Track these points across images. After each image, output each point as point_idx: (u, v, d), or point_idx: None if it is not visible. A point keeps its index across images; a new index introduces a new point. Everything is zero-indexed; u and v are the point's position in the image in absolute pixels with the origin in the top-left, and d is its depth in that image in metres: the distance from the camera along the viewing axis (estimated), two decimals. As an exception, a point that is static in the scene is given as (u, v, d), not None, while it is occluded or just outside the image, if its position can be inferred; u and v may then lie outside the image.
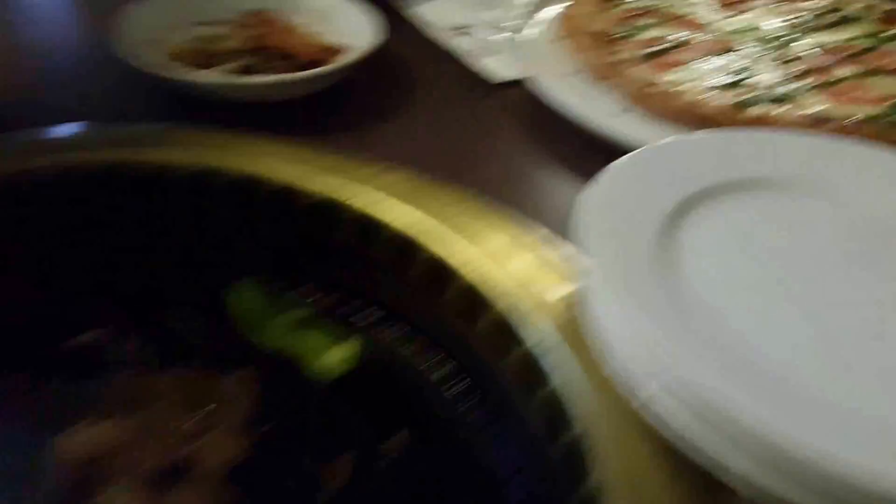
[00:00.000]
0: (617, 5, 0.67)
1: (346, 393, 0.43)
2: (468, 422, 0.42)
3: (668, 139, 0.43)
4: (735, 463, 0.29)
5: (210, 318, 0.45)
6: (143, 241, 0.48)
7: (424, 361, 0.45)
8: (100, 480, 0.35)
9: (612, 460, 0.32)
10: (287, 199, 0.46)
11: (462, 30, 0.68)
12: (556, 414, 0.35)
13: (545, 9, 0.67)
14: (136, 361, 0.42)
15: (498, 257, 0.41)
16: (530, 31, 0.65)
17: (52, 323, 0.44)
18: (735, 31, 0.65)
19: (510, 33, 0.67)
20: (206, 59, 0.56)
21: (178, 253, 0.48)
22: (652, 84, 0.56)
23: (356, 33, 0.59)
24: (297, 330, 0.45)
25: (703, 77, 0.59)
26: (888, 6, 0.68)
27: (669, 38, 0.63)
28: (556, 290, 0.39)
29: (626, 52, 0.62)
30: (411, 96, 0.60)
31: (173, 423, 0.38)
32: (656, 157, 0.41)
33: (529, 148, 0.55)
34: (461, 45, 0.66)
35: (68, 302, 0.45)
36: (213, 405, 0.39)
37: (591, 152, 0.52)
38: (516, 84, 0.61)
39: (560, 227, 0.44)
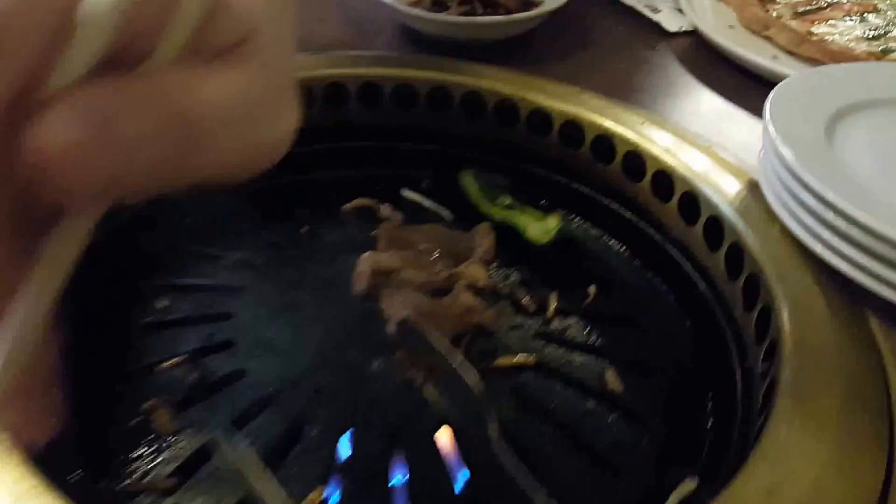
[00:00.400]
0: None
1: (552, 256, 0.53)
2: (649, 279, 0.51)
3: (830, 65, 0.51)
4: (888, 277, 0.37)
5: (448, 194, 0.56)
6: (401, 137, 0.59)
7: (611, 238, 0.54)
8: (384, 288, 0.46)
9: (780, 287, 0.40)
10: (508, 109, 0.56)
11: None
12: (736, 259, 0.44)
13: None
14: (392, 219, 0.53)
15: (675, 153, 0.50)
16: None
17: (334, 191, 0.56)
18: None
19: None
20: (433, 6, 0.67)
21: (422, 146, 0.59)
22: (809, 33, 0.63)
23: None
24: (511, 209, 0.55)
25: (849, 30, 0.65)
26: None
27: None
28: (724, 175, 0.48)
29: (780, 9, 0.69)
30: (594, 40, 0.69)
31: (434, 257, 0.48)
32: (822, 76, 0.49)
33: (696, 82, 0.63)
34: (631, 3, 0.74)
35: (346, 177, 0.57)
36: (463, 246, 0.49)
37: (744, 87, 0.61)
38: (684, 35, 0.69)
39: (722, 137, 0.53)
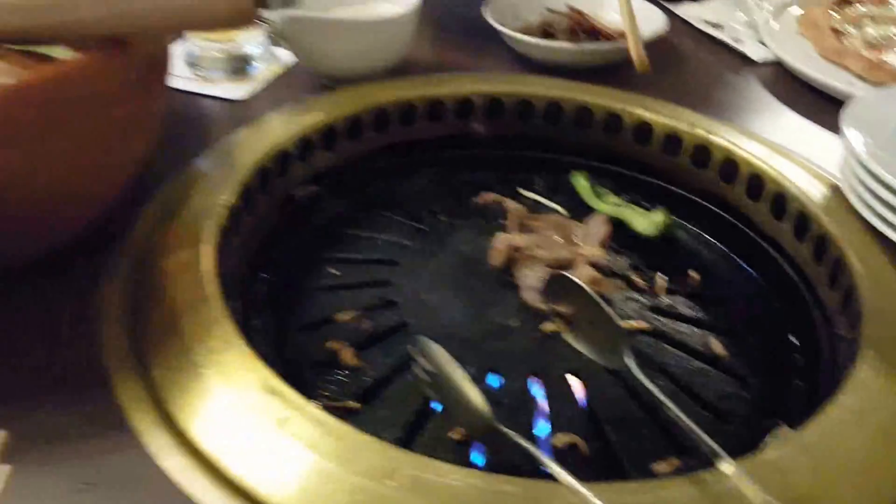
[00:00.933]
0: (846, 8, 0.81)
1: (655, 247, 0.59)
2: (742, 267, 0.58)
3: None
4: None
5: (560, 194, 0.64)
6: (519, 145, 0.67)
7: (706, 233, 0.61)
8: (516, 263, 0.54)
9: (861, 267, 0.47)
10: (614, 121, 0.64)
11: (715, 25, 0.84)
12: (820, 247, 0.51)
13: (786, 9, 0.82)
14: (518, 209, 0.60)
15: (765, 160, 0.57)
16: (776, 25, 0.80)
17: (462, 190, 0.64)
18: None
19: (754, 30, 0.82)
20: (543, 33, 0.75)
21: (537, 153, 0.67)
22: (880, 61, 0.69)
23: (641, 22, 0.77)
24: (618, 206, 0.62)
25: (916, 60, 0.72)
26: None
27: (892, 32, 0.76)
28: (809, 178, 0.55)
29: (853, 41, 0.76)
30: (684, 67, 0.76)
31: (556, 240, 0.56)
32: (890, 93, 0.56)
33: (779, 104, 0.70)
34: (718, 35, 0.82)
35: (471, 179, 0.66)
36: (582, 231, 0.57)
37: (822, 109, 0.68)
38: (766, 63, 0.76)
39: (804, 150, 0.60)
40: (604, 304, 0.42)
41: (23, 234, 0.42)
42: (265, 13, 0.40)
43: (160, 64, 0.45)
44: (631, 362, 0.40)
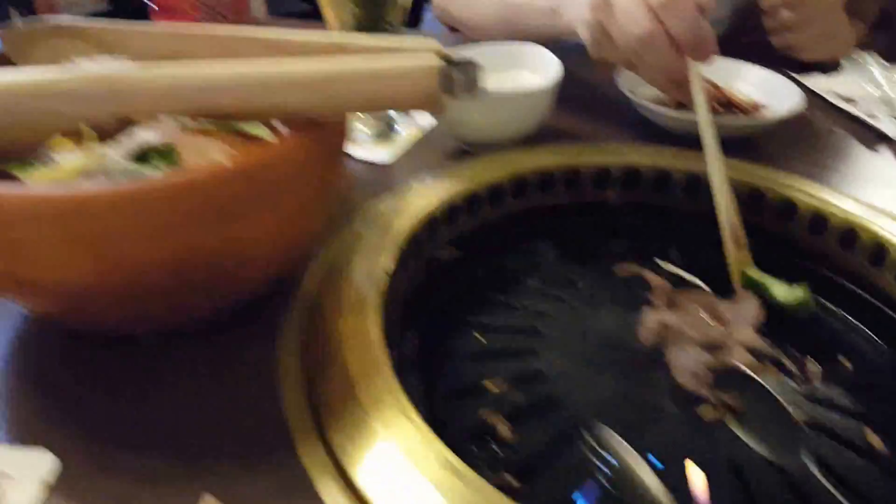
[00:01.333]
0: None
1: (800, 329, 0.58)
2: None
3: None
4: None
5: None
6: (657, 213, 0.67)
7: (853, 317, 0.59)
8: (666, 342, 0.53)
9: None
10: (755, 198, 0.63)
11: (847, 99, 0.83)
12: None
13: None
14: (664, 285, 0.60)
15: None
16: (913, 103, 0.78)
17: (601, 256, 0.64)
18: None
19: (888, 105, 0.80)
20: (677, 104, 0.75)
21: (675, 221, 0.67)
22: None
23: (772, 95, 0.76)
24: (761, 279, 0.60)
25: None
26: None
27: None
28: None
29: None
30: (818, 141, 0.75)
31: (705, 319, 0.55)
32: None
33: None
34: (852, 110, 0.80)
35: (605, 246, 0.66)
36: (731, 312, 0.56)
37: None
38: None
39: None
40: (780, 399, 0.41)
41: (215, 297, 0.44)
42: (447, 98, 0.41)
43: (344, 138, 0.47)
44: (810, 463, 0.39)
